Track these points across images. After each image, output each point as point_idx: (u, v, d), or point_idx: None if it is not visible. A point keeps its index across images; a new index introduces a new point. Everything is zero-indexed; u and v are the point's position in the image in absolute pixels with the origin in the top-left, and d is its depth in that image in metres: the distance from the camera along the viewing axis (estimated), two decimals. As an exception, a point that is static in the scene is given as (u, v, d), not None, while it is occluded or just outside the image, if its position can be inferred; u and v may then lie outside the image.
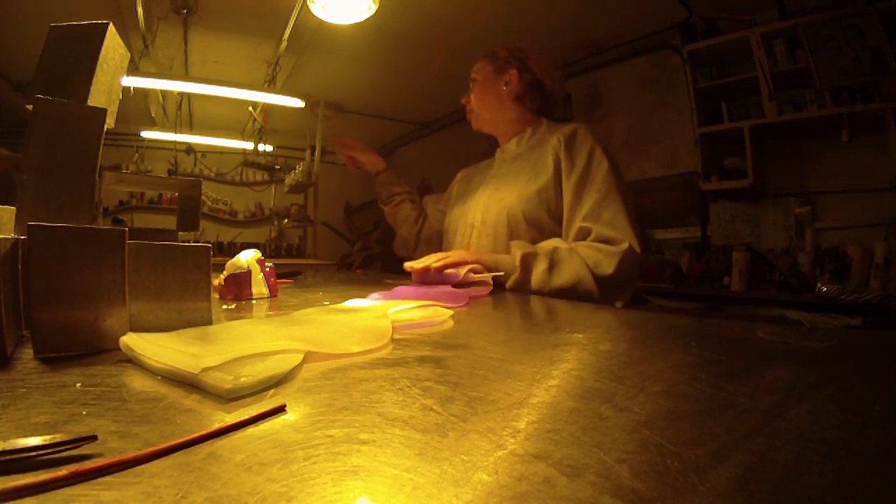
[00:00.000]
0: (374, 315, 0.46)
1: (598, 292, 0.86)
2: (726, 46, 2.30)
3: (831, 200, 2.18)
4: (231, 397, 0.24)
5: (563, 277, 0.85)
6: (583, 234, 0.91)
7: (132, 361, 0.30)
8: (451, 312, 0.54)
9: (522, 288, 0.87)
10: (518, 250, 0.87)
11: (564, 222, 0.95)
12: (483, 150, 1.29)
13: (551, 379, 0.29)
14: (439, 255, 0.88)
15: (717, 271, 2.32)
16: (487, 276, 0.82)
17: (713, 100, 2.39)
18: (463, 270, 0.81)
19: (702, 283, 2.34)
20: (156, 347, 0.30)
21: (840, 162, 2.13)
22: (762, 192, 2.34)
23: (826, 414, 0.23)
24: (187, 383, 0.26)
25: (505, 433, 0.20)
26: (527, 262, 0.86)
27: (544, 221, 0.98)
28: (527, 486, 0.15)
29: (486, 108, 1.13)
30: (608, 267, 0.85)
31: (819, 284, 1.95)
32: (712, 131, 2.38)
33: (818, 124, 2.07)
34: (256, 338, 0.33)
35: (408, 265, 0.88)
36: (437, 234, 1.28)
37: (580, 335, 0.43)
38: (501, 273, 0.87)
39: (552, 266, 0.86)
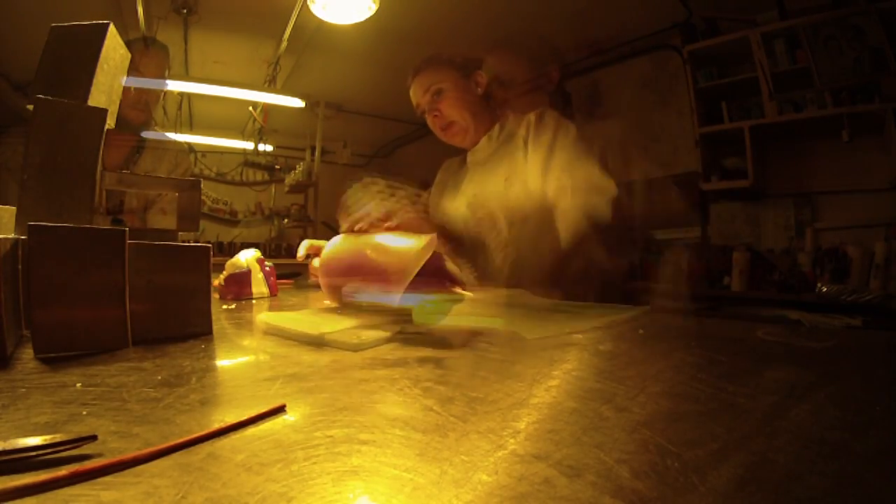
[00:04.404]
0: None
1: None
2: (726, 46, 2.30)
3: (831, 200, 2.18)
4: (357, 350, 0.36)
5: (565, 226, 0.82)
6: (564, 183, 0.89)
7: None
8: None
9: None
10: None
11: (536, 185, 0.92)
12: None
13: (551, 379, 0.29)
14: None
15: (717, 271, 2.32)
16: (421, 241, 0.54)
17: (713, 100, 2.39)
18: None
19: (702, 284, 2.33)
20: (289, 322, 0.42)
21: (840, 162, 2.12)
22: (762, 192, 2.34)
23: (826, 414, 0.23)
24: (314, 343, 0.38)
25: (505, 433, 0.20)
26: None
27: (528, 215, 0.95)
28: (527, 487, 0.15)
29: (463, 116, 1.04)
30: (605, 211, 0.83)
31: (819, 284, 1.95)
32: (712, 131, 2.38)
33: (818, 124, 2.07)
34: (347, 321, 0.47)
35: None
36: None
37: (580, 335, 0.43)
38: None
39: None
